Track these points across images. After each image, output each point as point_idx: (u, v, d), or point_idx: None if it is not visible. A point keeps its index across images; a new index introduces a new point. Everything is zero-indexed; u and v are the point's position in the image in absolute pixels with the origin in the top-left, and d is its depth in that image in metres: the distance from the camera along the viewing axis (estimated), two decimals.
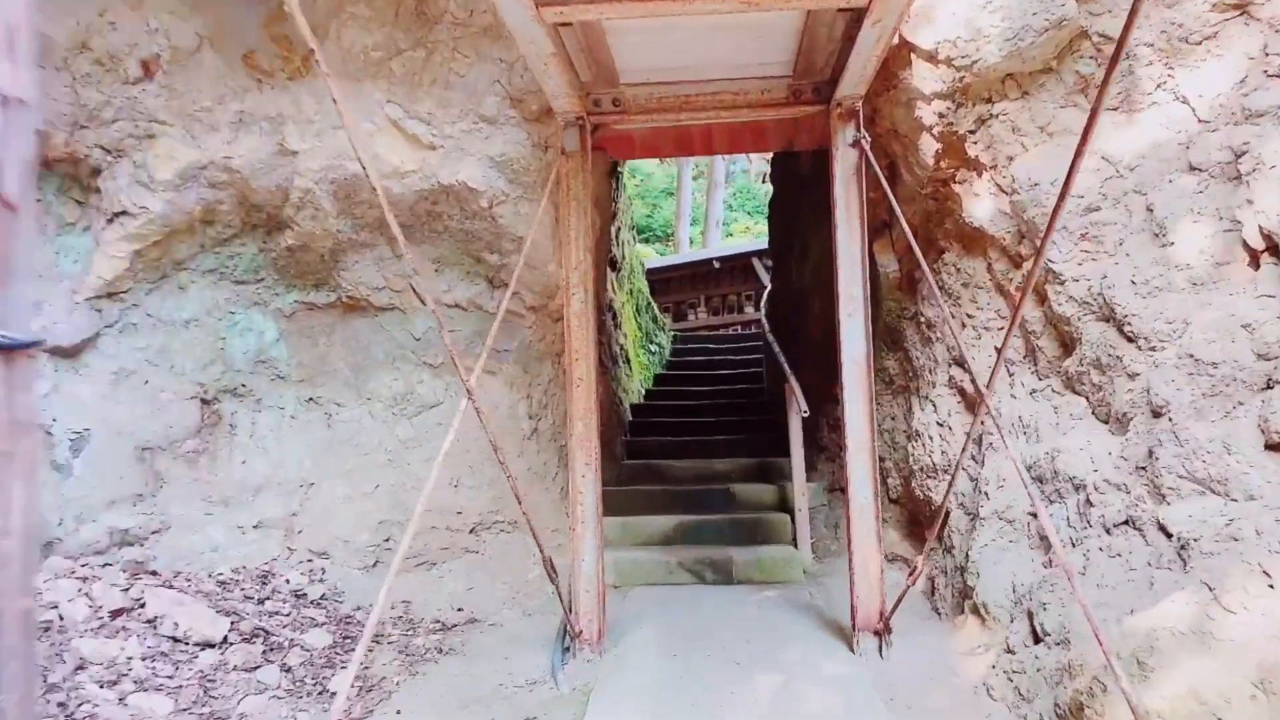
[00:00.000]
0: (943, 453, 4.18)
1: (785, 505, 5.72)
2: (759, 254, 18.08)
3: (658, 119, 3.91)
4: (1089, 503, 3.06)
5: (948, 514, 4.10)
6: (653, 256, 19.61)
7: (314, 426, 4.86)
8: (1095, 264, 3.29)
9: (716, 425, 7.48)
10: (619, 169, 7.48)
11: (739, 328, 14.75)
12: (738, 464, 6.43)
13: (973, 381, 3.81)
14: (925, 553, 3.32)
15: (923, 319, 4.33)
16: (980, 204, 3.73)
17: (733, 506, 5.80)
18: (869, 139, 3.61)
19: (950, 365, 4.13)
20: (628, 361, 7.99)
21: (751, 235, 21.61)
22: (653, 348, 9.60)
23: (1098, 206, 3.30)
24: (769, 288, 8.64)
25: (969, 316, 3.95)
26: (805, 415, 4.99)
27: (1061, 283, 3.36)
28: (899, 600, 3.41)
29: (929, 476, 4.31)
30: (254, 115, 4.16)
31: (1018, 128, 3.57)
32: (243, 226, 4.44)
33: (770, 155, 7.76)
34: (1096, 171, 3.31)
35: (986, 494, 3.61)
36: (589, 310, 3.79)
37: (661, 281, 17.32)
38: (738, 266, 17.92)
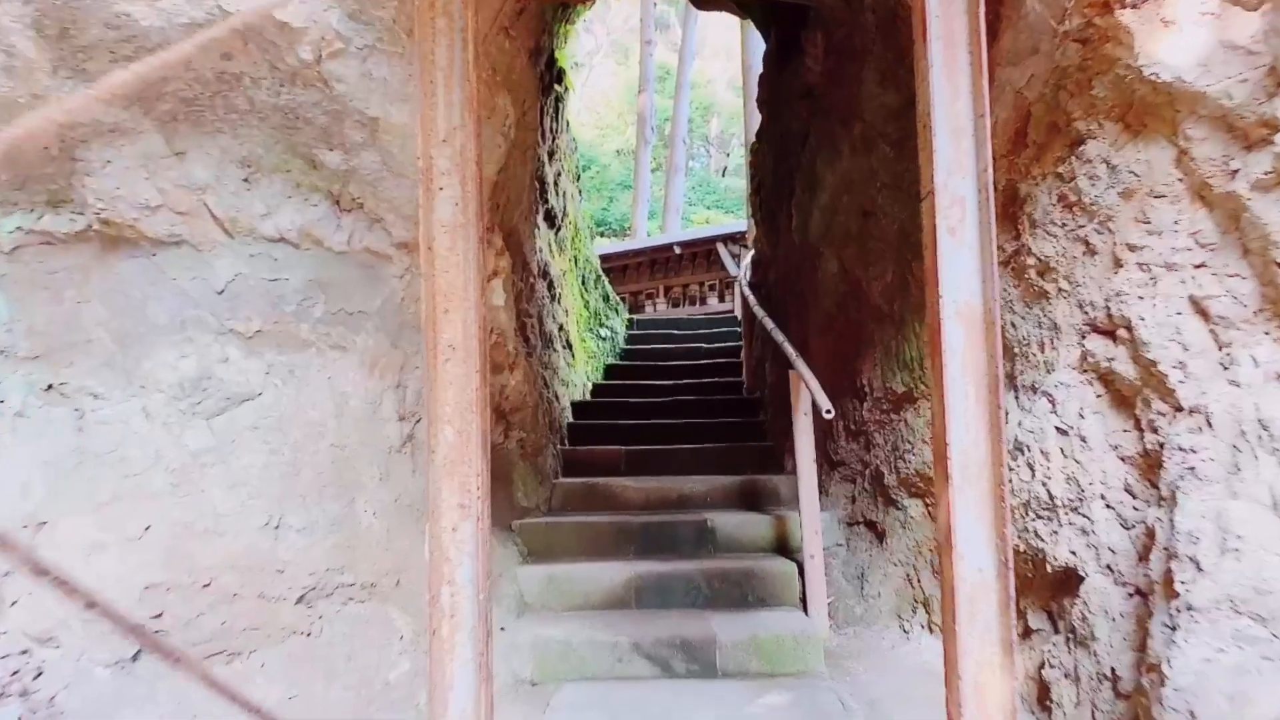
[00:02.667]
0: (1070, 479, 2.63)
1: (786, 546, 4.14)
2: (725, 239, 16.93)
3: None
4: None
5: (1080, 581, 2.58)
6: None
7: (53, 430, 3.09)
8: None
9: (685, 430, 5.88)
10: (555, 77, 5.79)
11: (716, 300, 13.43)
12: (715, 485, 4.82)
13: (1137, 358, 2.27)
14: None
15: (1030, 261, 2.76)
16: (1175, 41, 2.16)
17: (711, 548, 4.19)
18: None
19: (1087, 334, 2.57)
20: (569, 346, 6.32)
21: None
22: (603, 331, 7.95)
23: None
24: (752, 252, 7.06)
25: (1130, 248, 2.41)
26: (829, 415, 3.37)
27: None
28: None
29: (1040, 517, 2.77)
30: None
31: None
32: None
33: (759, 72, 6.16)
34: None
35: (1197, 563, 2.04)
36: (471, 226, 2.13)
37: (617, 269, 16.42)
38: (700, 253, 17.01)
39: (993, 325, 2.02)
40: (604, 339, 7.94)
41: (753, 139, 7.20)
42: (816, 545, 3.74)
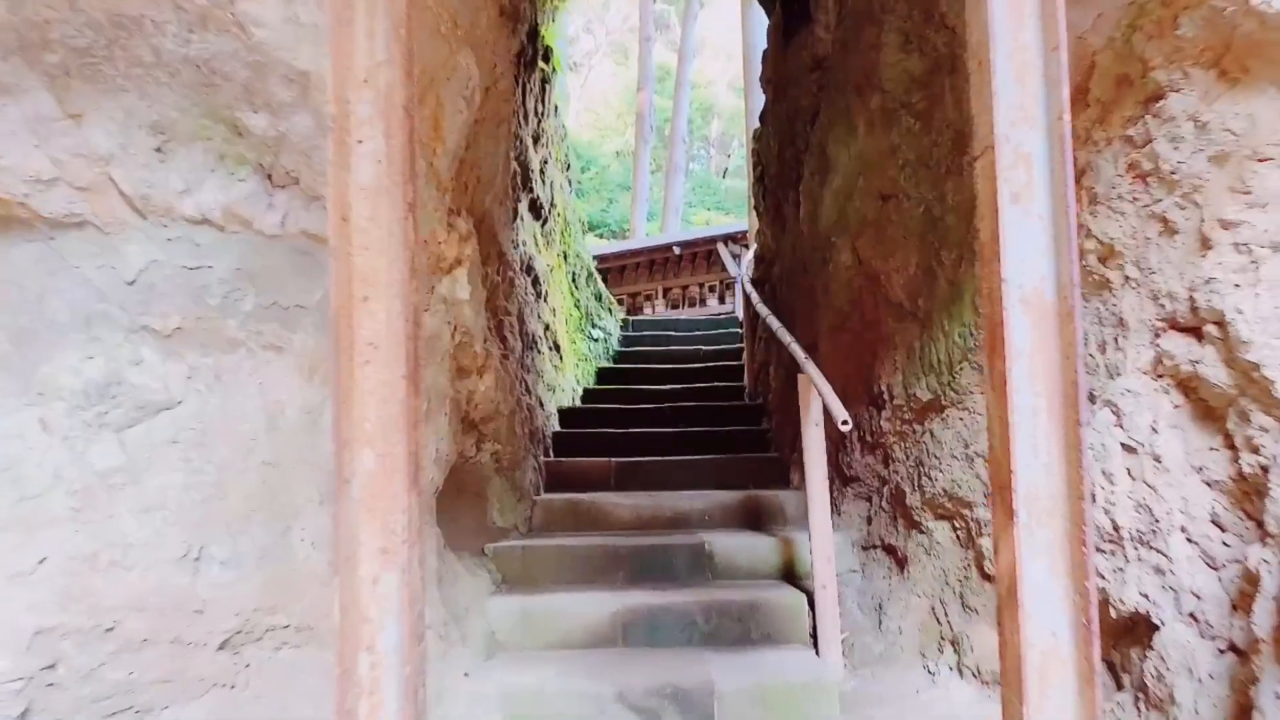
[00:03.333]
0: (1140, 506, 2.21)
1: (794, 573, 3.71)
2: (726, 239, 16.62)
3: None
4: None
5: (1153, 630, 2.16)
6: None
7: None
8: None
9: (681, 440, 5.45)
10: (540, 54, 5.35)
11: (717, 301, 13.12)
12: (714, 501, 4.38)
13: (1232, 360, 1.85)
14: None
15: (1089, 245, 2.33)
16: None
17: (709, 574, 3.75)
18: None
19: (1163, 332, 2.14)
20: (556, 348, 5.88)
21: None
22: (596, 333, 7.51)
23: None
24: (755, 246, 6.62)
25: (1223, 225, 1.98)
26: (846, 427, 2.93)
27: None
28: None
29: (1102, 551, 2.33)
30: None
31: None
32: None
33: (763, 50, 5.73)
34: None
35: None
36: (399, 190, 1.69)
37: (615, 270, 16.02)
38: (700, 254, 16.75)
39: (1070, 318, 1.58)
40: (596, 340, 7.50)
41: (755, 126, 6.78)
42: (829, 574, 3.29)
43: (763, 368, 5.94)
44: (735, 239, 15.62)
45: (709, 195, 29.33)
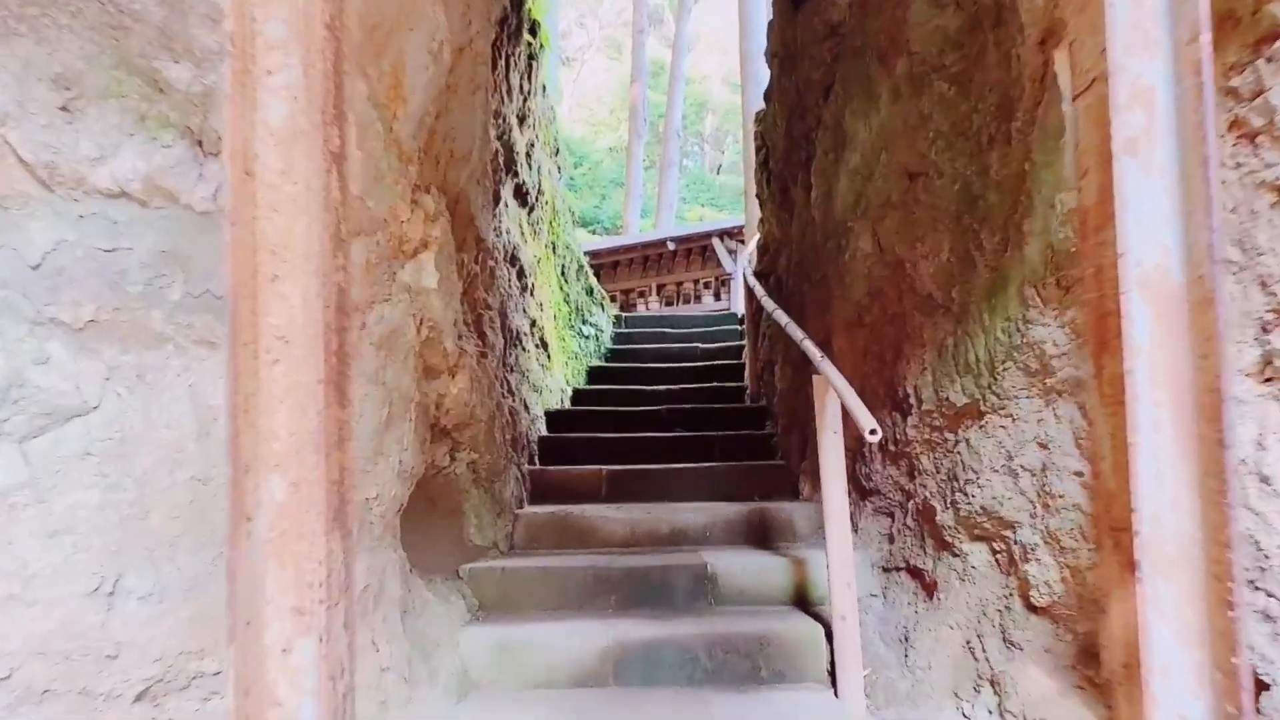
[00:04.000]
0: (1245, 537, 1.83)
1: (807, 598, 3.34)
2: (721, 234, 16.35)
3: None
4: None
5: (1263, 689, 1.79)
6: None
7: None
8: None
9: (679, 445, 5.08)
10: (527, 25, 4.95)
11: (712, 298, 12.88)
12: (716, 515, 4.01)
13: None
14: None
15: None
16: None
17: (711, 599, 3.38)
18: None
19: (1272, 326, 1.77)
20: (544, 345, 5.50)
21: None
22: (587, 329, 7.13)
23: None
24: (758, 236, 6.24)
25: None
26: (875, 437, 2.56)
27: None
28: None
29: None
30: None
31: None
32: None
33: (768, 21, 5.36)
34: None
35: None
36: (318, 135, 1.30)
37: (608, 266, 15.83)
38: (695, 249, 16.52)
39: (1208, 304, 1.22)
40: (587, 338, 7.12)
41: (758, 108, 6.40)
42: (849, 602, 2.92)
43: (766, 367, 5.57)
44: (731, 234, 15.31)
45: (703, 192, 29.28)
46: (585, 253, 8.74)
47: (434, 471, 3.37)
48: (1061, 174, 2.26)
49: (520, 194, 5.25)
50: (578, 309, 6.97)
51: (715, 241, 15.83)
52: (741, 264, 6.69)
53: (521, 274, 5.07)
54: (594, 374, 6.96)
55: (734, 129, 30.04)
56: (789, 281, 4.73)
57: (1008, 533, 2.75)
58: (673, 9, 26.33)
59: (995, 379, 2.73)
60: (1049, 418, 2.56)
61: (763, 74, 15.13)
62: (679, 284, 15.94)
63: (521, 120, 5.14)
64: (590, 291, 7.62)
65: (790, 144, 4.57)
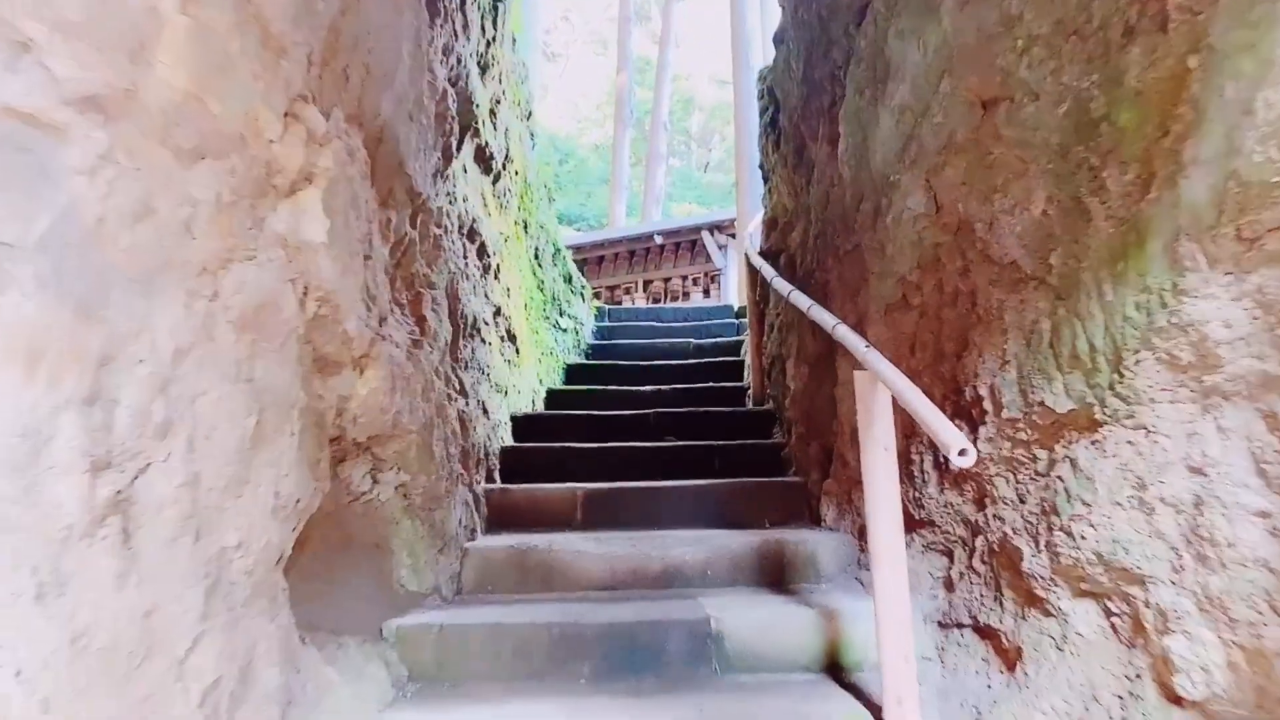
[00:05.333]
0: None
1: (839, 663, 2.56)
2: (711, 227, 15.83)
3: None
4: None
5: None
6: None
7: None
8: None
9: (670, 458, 4.34)
10: None
11: (701, 295, 12.30)
12: (718, 548, 3.25)
13: None
14: None
15: None
16: None
17: (715, 665, 2.62)
18: None
19: None
20: (510, 337, 4.70)
21: None
22: (564, 322, 6.33)
23: None
24: (762, 211, 5.47)
25: None
26: (966, 460, 1.78)
27: None
28: None
29: None
30: None
31: None
32: None
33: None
34: None
35: None
36: None
37: (592, 261, 15.39)
38: (684, 243, 16.06)
39: None
40: (565, 331, 6.32)
41: (761, 66, 5.64)
42: (908, 682, 2.16)
43: (775, 363, 4.79)
44: (722, 228, 14.64)
45: (690, 189, 29.05)
46: (569, 247, 7.99)
47: (349, 500, 2.57)
48: (1272, 56, 1.49)
49: (483, 157, 4.46)
50: (554, 298, 6.17)
51: (705, 235, 15.15)
52: (745, 243, 5.91)
53: (483, 252, 4.28)
54: (572, 373, 6.18)
55: (721, 127, 29.68)
56: (805, 259, 3.95)
57: (1134, 590, 1.98)
58: (660, 6, 25.83)
59: (1120, 376, 1.96)
60: (1207, 430, 1.80)
61: (754, 55, 14.40)
62: (666, 280, 15.34)
63: (484, 69, 4.35)
64: (569, 279, 6.82)
65: (809, 90, 3.78)
